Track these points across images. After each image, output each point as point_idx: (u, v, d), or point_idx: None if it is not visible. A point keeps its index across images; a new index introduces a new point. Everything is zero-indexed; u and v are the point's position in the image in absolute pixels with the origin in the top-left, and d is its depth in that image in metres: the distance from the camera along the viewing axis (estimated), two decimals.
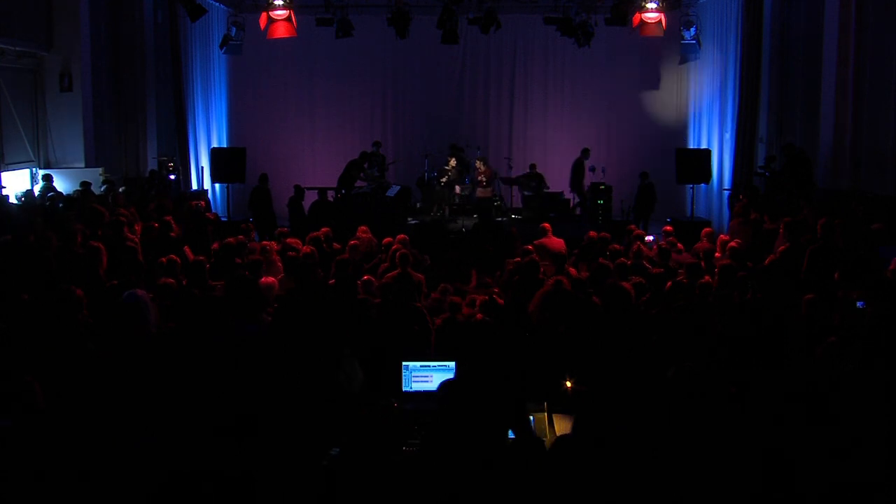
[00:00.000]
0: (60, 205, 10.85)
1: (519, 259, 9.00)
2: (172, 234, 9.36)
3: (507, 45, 17.71)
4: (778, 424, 4.16)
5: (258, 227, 12.82)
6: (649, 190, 15.13)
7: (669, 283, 6.92)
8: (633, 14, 13.92)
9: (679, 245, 9.49)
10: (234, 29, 15.37)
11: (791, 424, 4.16)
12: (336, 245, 9.67)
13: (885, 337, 5.18)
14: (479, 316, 6.68)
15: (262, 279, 6.80)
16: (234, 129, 17.64)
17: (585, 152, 15.79)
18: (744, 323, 5.90)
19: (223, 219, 14.31)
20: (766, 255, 8.41)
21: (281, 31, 12.80)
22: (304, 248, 8.96)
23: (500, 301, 7.00)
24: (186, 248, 8.77)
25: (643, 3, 13.63)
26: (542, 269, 8.07)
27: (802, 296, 6.63)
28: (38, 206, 10.75)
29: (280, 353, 4.88)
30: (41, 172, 12.35)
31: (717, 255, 8.89)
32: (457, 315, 6.65)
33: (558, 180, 16.58)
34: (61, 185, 12.13)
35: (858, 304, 6.17)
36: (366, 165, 15.50)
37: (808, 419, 4.16)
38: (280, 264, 8.50)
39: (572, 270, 8.29)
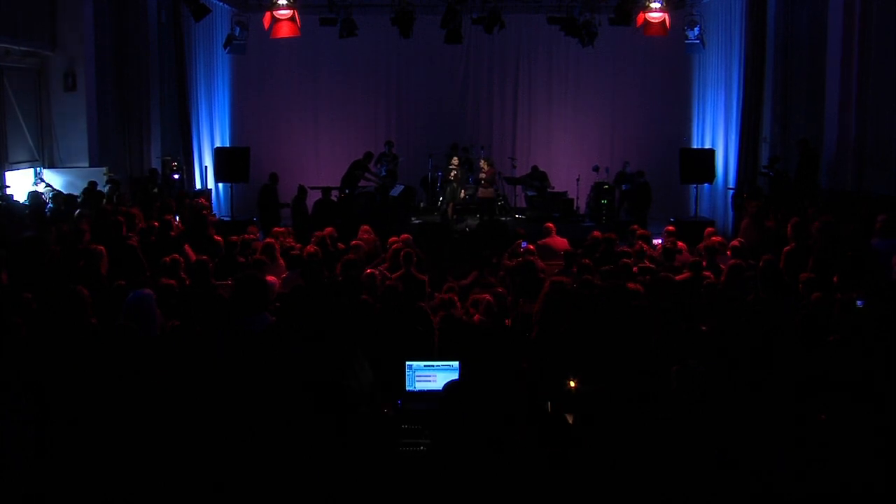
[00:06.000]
0: (52, 206, 10.92)
1: (512, 258, 9.06)
2: (172, 233, 9.38)
3: (511, 44, 17.70)
4: (778, 424, 4.16)
5: (264, 227, 12.84)
6: (645, 189, 15.16)
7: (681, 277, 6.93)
8: (637, 14, 13.90)
9: (679, 244, 9.46)
10: (237, 28, 15.37)
11: (791, 424, 4.16)
12: (340, 245, 9.69)
13: (883, 337, 5.19)
14: (476, 318, 6.68)
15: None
16: (237, 129, 17.65)
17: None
18: (744, 322, 5.89)
19: (226, 218, 14.36)
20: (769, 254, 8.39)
21: (284, 31, 12.79)
22: (309, 247, 8.98)
23: (509, 298, 7.00)
24: (187, 247, 8.79)
25: (647, 3, 13.61)
26: (541, 270, 8.11)
27: (804, 296, 6.65)
28: (41, 207, 10.79)
29: (286, 351, 4.88)
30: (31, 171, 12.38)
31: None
32: (451, 310, 6.65)
33: (563, 180, 16.60)
34: (67, 184, 12.19)
35: (858, 303, 6.16)
36: (377, 164, 15.52)
37: (806, 419, 4.16)
38: (283, 262, 8.52)
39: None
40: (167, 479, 3.92)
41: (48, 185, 12.03)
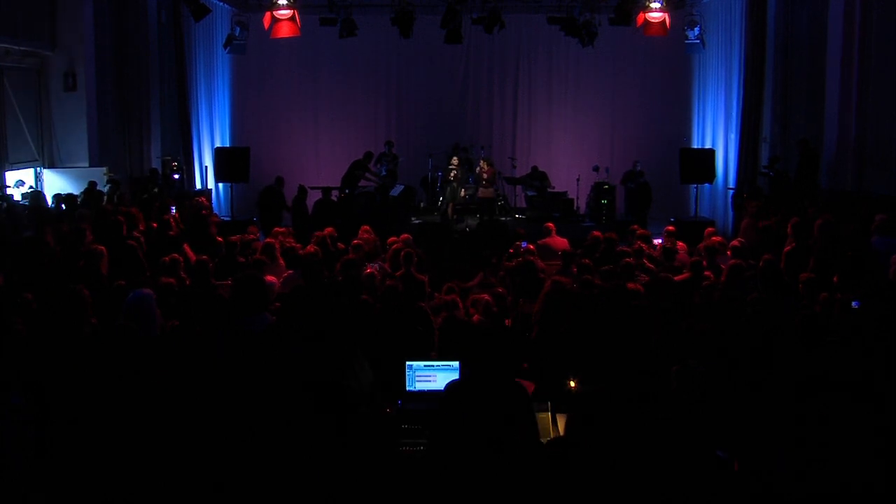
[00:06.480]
0: (53, 205, 10.93)
1: (512, 258, 9.06)
2: (171, 232, 9.38)
3: (511, 44, 17.70)
4: (778, 424, 4.16)
5: (265, 228, 12.85)
6: (645, 189, 15.15)
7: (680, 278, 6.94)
8: (637, 14, 13.90)
9: (679, 244, 9.47)
10: (237, 28, 15.37)
11: (791, 424, 4.16)
12: (340, 245, 9.70)
13: (883, 337, 5.19)
14: (476, 318, 6.68)
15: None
16: (237, 129, 17.65)
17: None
18: (744, 322, 5.90)
19: (226, 218, 14.36)
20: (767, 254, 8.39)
21: (284, 31, 12.79)
22: (309, 247, 8.98)
23: (509, 298, 6.99)
24: (186, 246, 8.79)
25: (647, 3, 13.61)
26: (541, 270, 8.11)
27: (804, 296, 6.65)
28: (43, 207, 10.80)
29: (286, 351, 4.88)
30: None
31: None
32: (454, 312, 6.66)
33: (563, 180, 16.59)
34: (64, 185, 12.17)
35: (854, 304, 6.16)
36: (377, 164, 15.52)
37: (806, 419, 4.16)
38: (283, 262, 8.52)
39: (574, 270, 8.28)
40: (167, 479, 3.92)
41: (31, 186, 12.01)
